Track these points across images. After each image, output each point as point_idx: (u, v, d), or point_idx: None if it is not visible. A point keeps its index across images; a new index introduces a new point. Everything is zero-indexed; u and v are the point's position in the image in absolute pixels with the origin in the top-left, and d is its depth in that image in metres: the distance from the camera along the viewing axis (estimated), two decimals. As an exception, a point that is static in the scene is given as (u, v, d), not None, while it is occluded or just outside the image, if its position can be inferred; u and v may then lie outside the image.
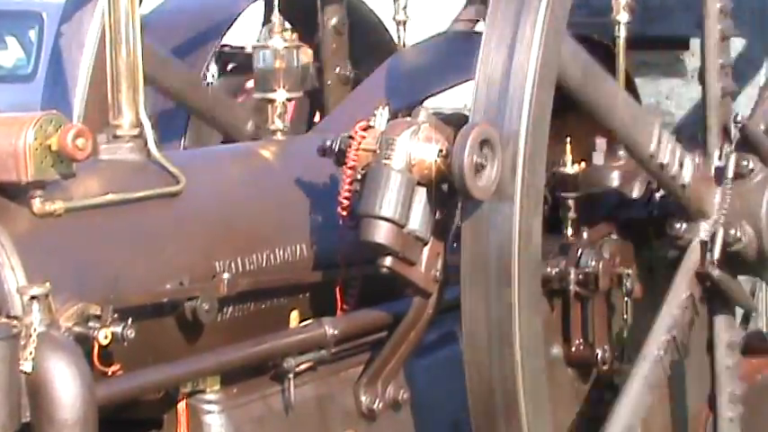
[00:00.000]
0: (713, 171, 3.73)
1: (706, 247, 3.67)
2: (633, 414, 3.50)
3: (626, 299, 3.83)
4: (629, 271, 3.82)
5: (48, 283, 2.70)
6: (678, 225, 3.70)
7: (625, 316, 3.84)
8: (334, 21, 4.77)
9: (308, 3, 4.88)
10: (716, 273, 3.65)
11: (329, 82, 4.77)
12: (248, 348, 3.19)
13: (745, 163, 3.69)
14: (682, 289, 3.65)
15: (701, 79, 3.76)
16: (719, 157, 3.74)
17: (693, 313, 3.68)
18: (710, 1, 3.69)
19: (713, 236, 3.66)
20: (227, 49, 5.55)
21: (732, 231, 3.66)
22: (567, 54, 3.18)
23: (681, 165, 3.59)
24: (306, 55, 4.10)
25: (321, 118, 4.81)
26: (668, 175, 3.58)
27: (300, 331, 3.34)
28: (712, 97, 3.73)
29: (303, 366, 3.30)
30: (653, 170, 3.60)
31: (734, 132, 3.73)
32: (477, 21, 5.08)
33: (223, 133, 4.59)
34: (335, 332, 3.32)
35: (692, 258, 3.68)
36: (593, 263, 3.77)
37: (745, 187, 3.72)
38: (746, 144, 3.72)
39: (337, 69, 4.79)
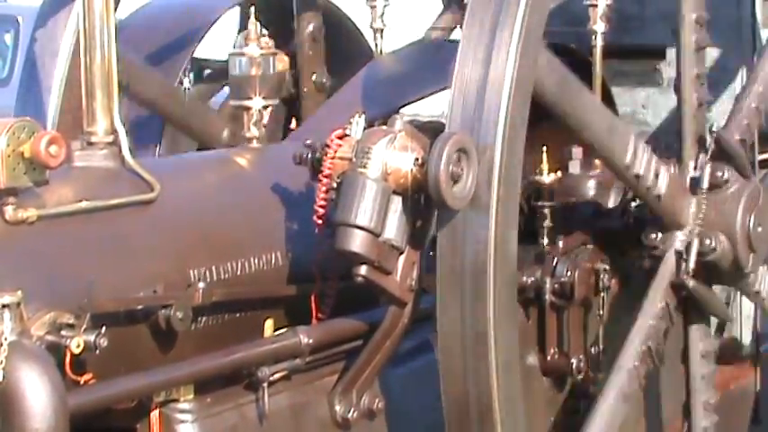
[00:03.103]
0: (688, 181, 3.74)
1: (681, 257, 3.68)
2: (608, 425, 3.50)
3: (602, 294, 3.82)
4: (606, 266, 3.81)
5: (19, 292, 2.68)
6: (653, 235, 3.71)
7: (600, 312, 3.83)
8: (310, 27, 4.75)
9: (283, 10, 4.87)
10: (691, 283, 3.66)
11: (305, 89, 4.75)
12: (222, 357, 3.17)
13: (719, 174, 3.70)
14: (657, 299, 3.66)
15: (677, 89, 3.76)
16: (695, 168, 3.75)
17: (669, 323, 3.68)
18: (686, 11, 3.69)
19: (688, 246, 3.67)
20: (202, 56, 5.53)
21: (707, 241, 3.66)
22: (543, 66, 3.17)
23: (656, 176, 3.59)
24: (282, 62, 4.08)
25: (297, 125, 4.79)
26: (644, 186, 3.58)
27: (275, 340, 3.32)
28: (687, 107, 3.74)
29: (277, 375, 3.29)
30: (628, 181, 3.60)
31: (709, 142, 3.74)
32: (453, 28, 5.08)
33: (198, 142, 4.57)
34: (310, 341, 3.30)
35: (667, 268, 3.69)
36: (569, 272, 3.77)
37: (720, 197, 3.73)
38: (722, 154, 3.73)
39: (314, 77, 4.78)
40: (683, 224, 3.69)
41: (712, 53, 4.39)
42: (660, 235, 3.70)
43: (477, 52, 3.12)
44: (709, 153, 3.72)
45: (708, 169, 3.69)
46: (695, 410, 3.85)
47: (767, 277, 4.03)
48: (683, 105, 3.75)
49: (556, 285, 3.76)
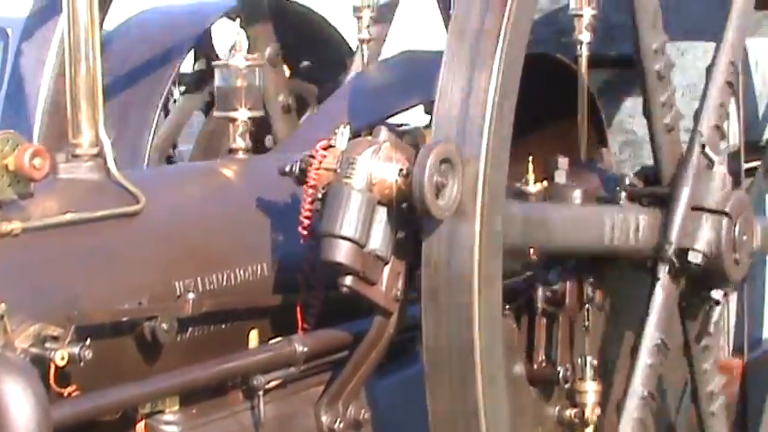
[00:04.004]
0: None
1: (671, 276, 3.71)
2: None
3: (587, 305, 3.84)
4: (591, 278, 3.83)
5: (3, 305, 2.68)
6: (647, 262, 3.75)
7: (586, 322, 3.85)
8: (268, 51, 4.72)
9: (274, 18, 4.88)
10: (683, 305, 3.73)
11: (271, 113, 4.74)
12: (216, 366, 3.17)
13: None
14: (652, 333, 3.69)
15: (646, 114, 3.79)
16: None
17: (666, 354, 3.72)
18: (646, 42, 3.71)
19: (675, 264, 3.69)
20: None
21: (693, 259, 3.69)
22: (507, 216, 3.20)
23: (637, 228, 3.64)
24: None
25: (275, 142, 4.82)
26: (630, 244, 3.63)
27: (269, 348, 3.32)
28: (659, 133, 3.77)
29: (272, 384, 3.29)
30: (616, 252, 3.67)
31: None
32: None
33: None
34: (305, 349, 3.30)
35: (660, 297, 3.72)
36: (560, 280, 3.78)
37: (703, 215, 3.75)
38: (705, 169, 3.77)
39: (280, 98, 4.78)
40: (669, 242, 3.71)
41: (699, 62, 4.41)
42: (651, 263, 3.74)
43: (461, 62, 3.13)
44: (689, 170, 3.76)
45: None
46: (702, 401, 3.95)
47: None
48: (654, 132, 3.78)
49: (548, 293, 3.78)
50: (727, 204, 3.74)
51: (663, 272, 3.72)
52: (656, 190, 3.79)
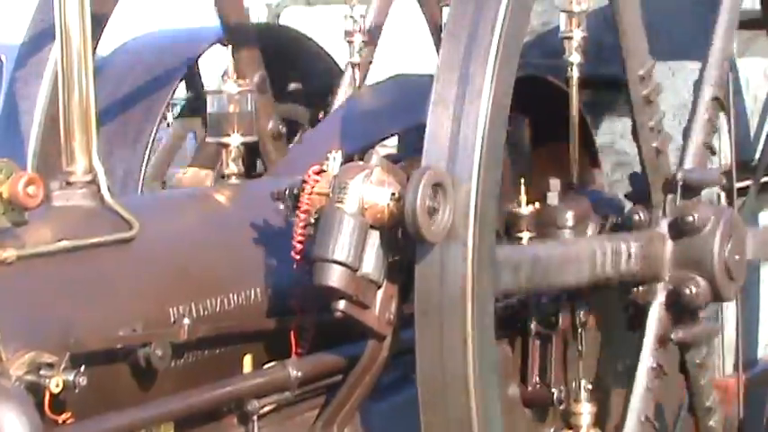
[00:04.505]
0: (661, 227, 3.77)
1: (664, 307, 3.73)
2: None
3: (579, 330, 3.85)
4: (583, 302, 3.85)
5: (-2, 333, 2.69)
6: (634, 289, 3.76)
7: (580, 347, 3.86)
8: (256, 78, 4.73)
9: (267, 45, 4.90)
10: (679, 335, 3.72)
11: (261, 138, 4.75)
12: (210, 392, 3.17)
13: (689, 218, 3.74)
14: (648, 358, 3.70)
15: (635, 139, 3.81)
16: (663, 213, 3.79)
17: (662, 378, 3.73)
18: (632, 67, 3.74)
19: (669, 297, 3.71)
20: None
21: (686, 291, 3.71)
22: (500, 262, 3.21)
23: (629, 256, 3.65)
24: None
25: (265, 168, 4.83)
26: (624, 271, 3.64)
27: (264, 373, 3.33)
28: (647, 157, 3.79)
29: (267, 408, 3.29)
30: (609, 281, 3.67)
31: (677, 181, 3.79)
32: None
33: None
34: (299, 374, 3.31)
35: (654, 323, 3.73)
36: (553, 301, 3.79)
37: (695, 236, 3.76)
38: (690, 192, 3.78)
39: (269, 125, 4.79)
40: (662, 275, 3.73)
41: (688, 83, 4.43)
42: (641, 288, 3.74)
43: (451, 86, 3.14)
44: (678, 196, 3.77)
45: (678, 214, 3.74)
46: (700, 415, 4.00)
47: None
48: (643, 156, 3.80)
49: (541, 315, 3.79)
50: (718, 228, 3.76)
51: (656, 300, 3.73)
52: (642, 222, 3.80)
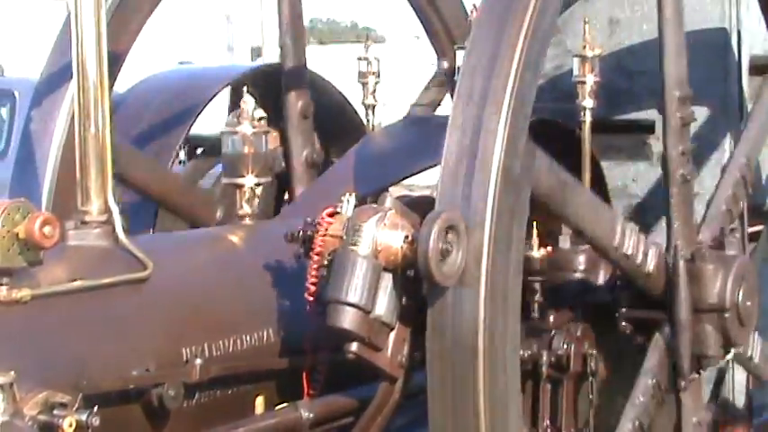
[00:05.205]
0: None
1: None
2: None
3: (591, 379, 3.85)
4: (594, 351, 3.85)
5: (12, 372, 2.70)
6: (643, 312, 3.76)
7: (591, 396, 3.86)
8: (299, 105, 4.78)
9: (276, 86, 4.93)
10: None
11: (296, 166, 4.79)
12: None
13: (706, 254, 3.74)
14: (648, 377, 3.69)
15: (663, 165, 3.82)
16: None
17: (660, 399, 3.70)
18: (670, 89, 3.75)
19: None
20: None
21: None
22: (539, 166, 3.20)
23: (645, 255, 3.63)
24: (273, 141, 4.13)
25: (290, 200, 4.83)
26: (633, 265, 3.61)
27: (275, 415, 3.34)
28: (674, 183, 3.79)
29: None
30: (618, 262, 3.64)
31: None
32: (438, 104, 5.14)
33: (191, 222, 4.60)
34: (311, 415, 3.32)
35: (656, 347, 3.72)
36: (565, 346, 3.79)
37: (708, 274, 3.76)
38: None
39: (304, 153, 4.81)
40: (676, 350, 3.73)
41: (700, 127, 4.45)
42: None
43: (465, 129, 3.15)
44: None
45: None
46: None
47: (758, 342, 4.07)
48: (670, 181, 3.80)
49: (552, 358, 3.79)
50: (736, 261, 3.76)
51: (663, 325, 3.73)
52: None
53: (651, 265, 3.65)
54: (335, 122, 5.11)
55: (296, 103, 4.76)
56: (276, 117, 4.76)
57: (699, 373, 3.82)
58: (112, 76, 3.88)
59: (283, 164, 4.80)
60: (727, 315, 3.72)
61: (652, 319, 3.77)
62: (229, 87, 4.99)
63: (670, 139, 3.76)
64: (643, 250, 3.62)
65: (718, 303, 3.72)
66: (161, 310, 3.26)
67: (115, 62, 3.90)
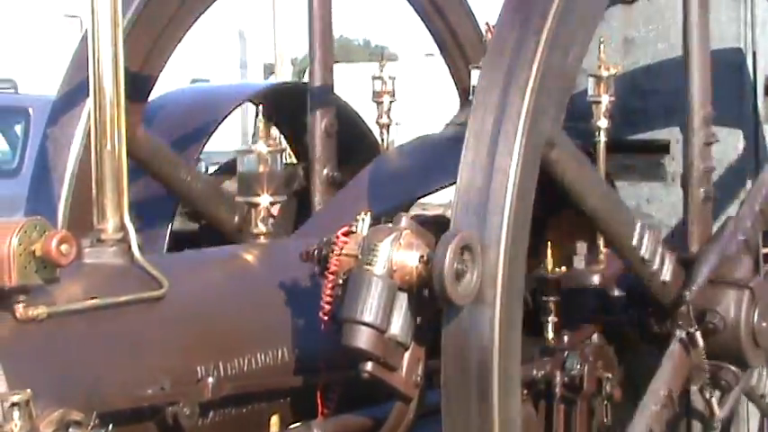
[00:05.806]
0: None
1: (685, 343, 3.71)
2: None
3: (605, 402, 3.85)
4: (609, 375, 3.85)
5: (28, 390, 2.70)
6: (657, 327, 3.74)
7: (606, 420, 3.85)
8: (324, 123, 4.78)
9: (297, 103, 4.94)
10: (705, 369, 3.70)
11: (316, 183, 4.79)
12: None
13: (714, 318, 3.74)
14: (661, 387, 3.68)
15: (684, 184, 3.82)
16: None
17: (672, 409, 3.70)
18: (694, 108, 3.76)
19: (691, 335, 3.70)
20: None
21: (710, 326, 3.69)
22: (561, 149, 3.20)
23: (662, 262, 3.63)
24: (290, 158, 4.14)
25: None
26: (649, 270, 3.61)
27: None
28: (694, 202, 3.79)
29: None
30: (635, 264, 3.64)
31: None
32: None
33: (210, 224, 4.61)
34: None
35: (671, 357, 3.72)
36: (579, 366, 3.79)
37: (724, 292, 3.76)
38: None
39: (325, 171, 4.80)
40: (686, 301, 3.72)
41: (715, 150, 4.45)
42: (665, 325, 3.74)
43: (480, 149, 3.16)
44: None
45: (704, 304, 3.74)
46: None
47: None
48: (690, 200, 3.80)
49: (566, 379, 3.79)
50: (752, 282, 3.76)
51: (676, 338, 3.72)
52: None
53: (668, 274, 3.64)
54: (349, 141, 5.13)
55: (321, 121, 4.77)
56: (297, 133, 4.77)
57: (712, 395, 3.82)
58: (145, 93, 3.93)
59: (304, 182, 4.81)
60: (742, 335, 3.72)
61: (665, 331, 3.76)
62: (252, 105, 5.00)
63: (692, 158, 3.77)
64: (660, 256, 3.61)
65: (734, 323, 3.71)
66: (176, 328, 3.26)
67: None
